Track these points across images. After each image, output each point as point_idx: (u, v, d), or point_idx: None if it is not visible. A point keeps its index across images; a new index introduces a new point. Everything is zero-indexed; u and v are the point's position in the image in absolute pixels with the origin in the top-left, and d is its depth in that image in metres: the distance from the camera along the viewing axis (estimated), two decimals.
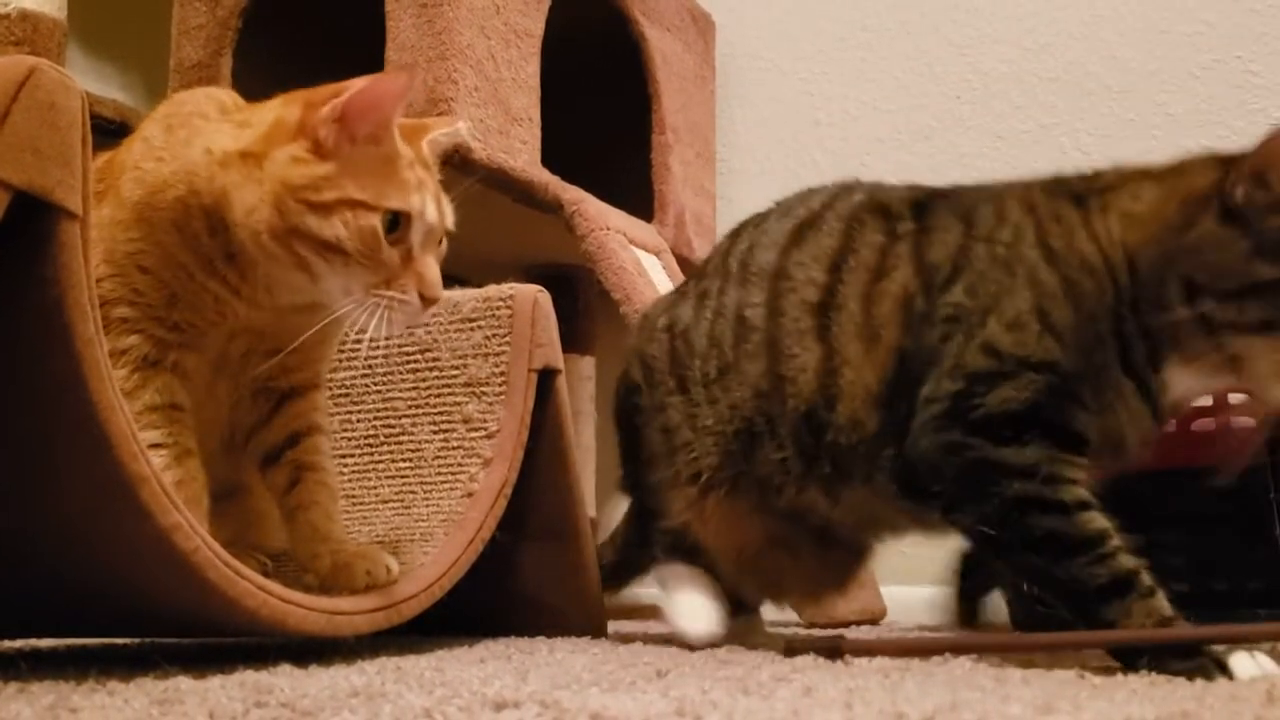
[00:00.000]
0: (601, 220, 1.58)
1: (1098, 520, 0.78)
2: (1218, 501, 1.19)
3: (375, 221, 0.83)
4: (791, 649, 0.81)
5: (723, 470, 0.98)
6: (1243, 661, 0.69)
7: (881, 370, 0.89)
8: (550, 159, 1.60)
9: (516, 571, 1.12)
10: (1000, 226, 0.87)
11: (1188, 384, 0.83)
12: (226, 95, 0.92)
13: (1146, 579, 0.76)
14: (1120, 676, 0.71)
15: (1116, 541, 0.77)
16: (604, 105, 1.89)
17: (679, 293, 1.10)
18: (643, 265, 1.60)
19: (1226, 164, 0.81)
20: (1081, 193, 0.86)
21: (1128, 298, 0.81)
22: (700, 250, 1.95)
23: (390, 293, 0.84)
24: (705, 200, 1.99)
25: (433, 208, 0.88)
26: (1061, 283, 0.82)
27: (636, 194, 1.83)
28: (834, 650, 0.79)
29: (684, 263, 1.85)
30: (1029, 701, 0.54)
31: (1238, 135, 1.70)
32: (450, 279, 2.06)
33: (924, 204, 0.94)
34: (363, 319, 0.84)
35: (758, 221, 1.06)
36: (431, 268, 0.87)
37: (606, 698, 0.57)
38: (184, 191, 0.85)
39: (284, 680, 0.69)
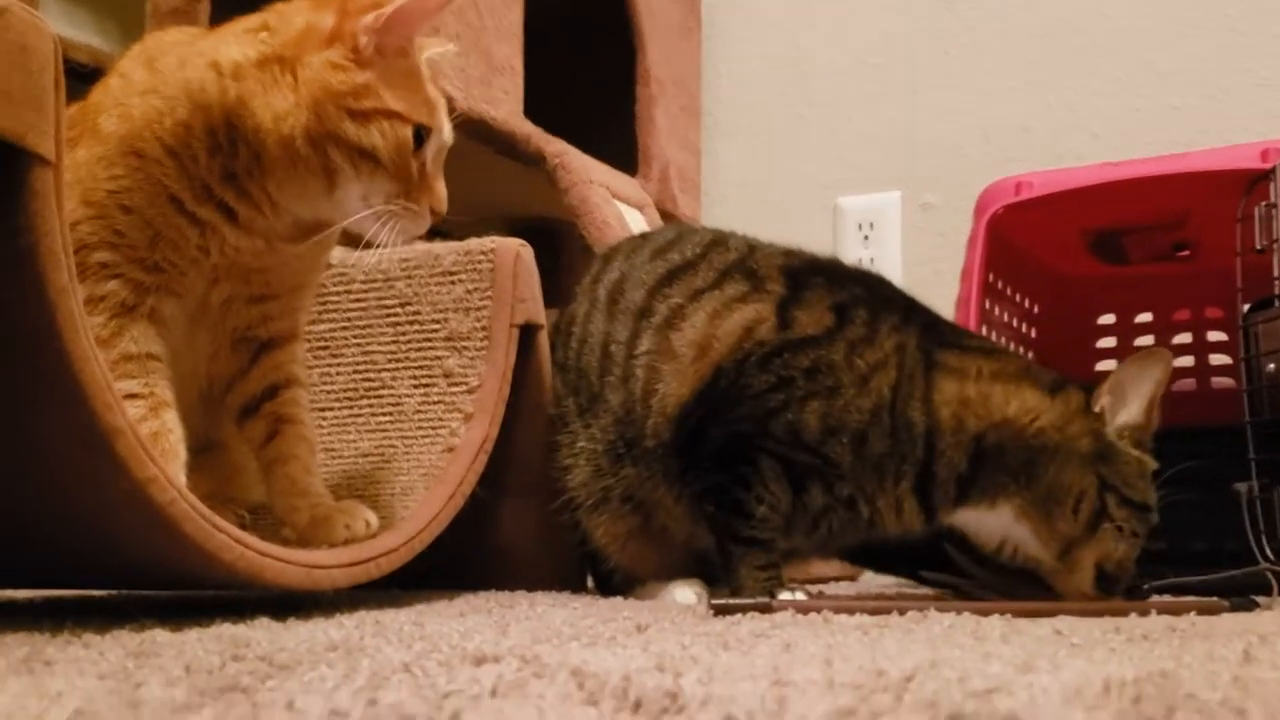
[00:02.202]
0: (585, 174, 1.57)
1: (763, 511, 0.96)
2: (1197, 461, 1.19)
3: (408, 133, 0.87)
4: (721, 610, 0.82)
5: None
6: None
7: (699, 381, 0.98)
8: (533, 110, 1.57)
9: (497, 525, 1.11)
10: (867, 347, 0.96)
11: (976, 529, 0.98)
12: (196, 28, 0.92)
13: (770, 552, 0.96)
14: (1098, 634, 0.71)
15: (770, 528, 0.96)
16: (588, 56, 1.87)
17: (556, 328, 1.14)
18: (626, 220, 1.59)
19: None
20: (937, 362, 0.96)
21: (943, 457, 0.95)
22: (685, 205, 1.93)
23: (407, 203, 0.88)
24: (690, 154, 1.98)
25: (448, 125, 0.92)
26: (890, 428, 0.94)
27: (620, 147, 1.81)
28: (765, 608, 0.82)
29: (668, 217, 1.84)
30: (1009, 659, 0.54)
31: (1224, 94, 1.70)
32: (432, 232, 2.05)
33: (798, 273, 1.01)
34: (374, 228, 0.87)
35: (630, 251, 1.10)
36: (441, 182, 0.91)
37: (587, 652, 0.57)
38: (186, 114, 0.85)
39: (262, 634, 0.69)
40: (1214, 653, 0.57)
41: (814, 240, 1.95)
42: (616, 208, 1.60)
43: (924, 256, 1.84)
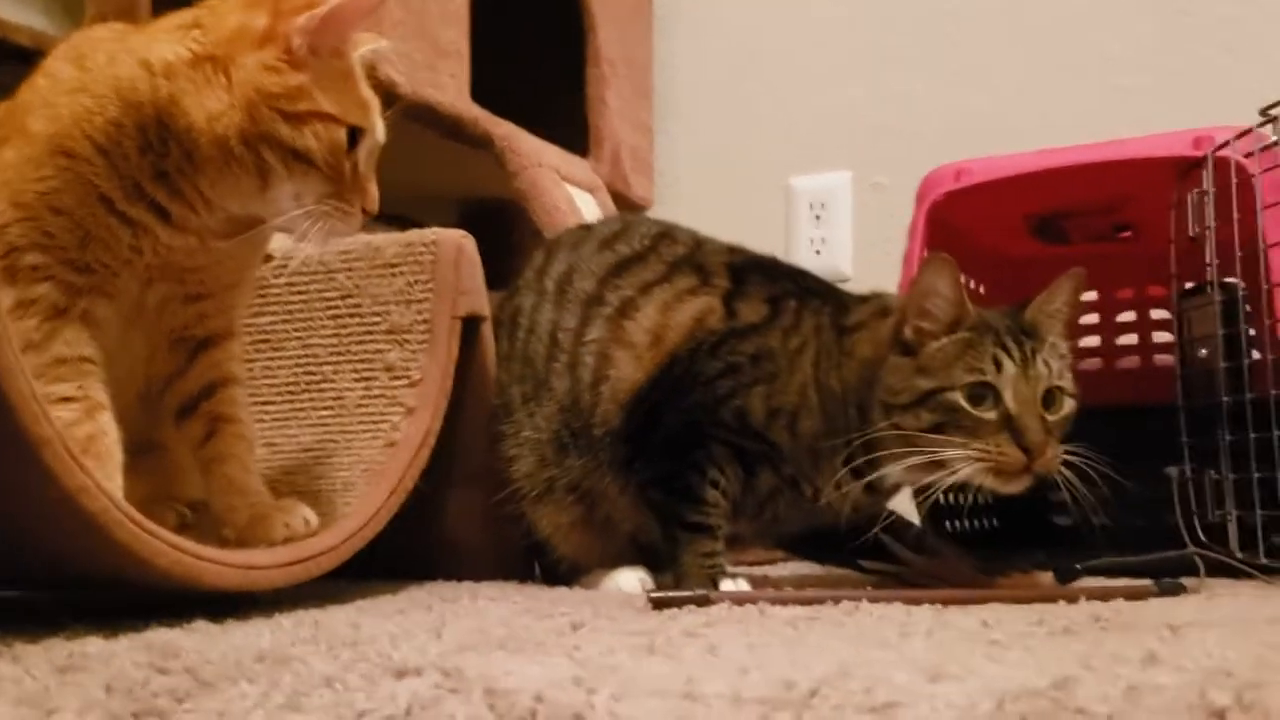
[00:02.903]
0: (534, 156, 1.56)
1: (714, 495, 0.98)
2: (1138, 439, 1.21)
3: (342, 135, 0.87)
4: (659, 603, 0.84)
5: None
6: None
7: (654, 367, 1.01)
8: (483, 93, 1.57)
9: (443, 517, 1.12)
10: (794, 332, 1.01)
11: (899, 475, 0.96)
12: (118, 26, 0.91)
13: (715, 539, 0.98)
14: (1022, 627, 0.73)
15: (718, 513, 0.99)
16: (539, 37, 1.85)
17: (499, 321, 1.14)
18: (576, 203, 1.58)
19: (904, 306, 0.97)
20: (846, 327, 1.00)
21: (855, 422, 0.97)
22: (637, 186, 1.93)
23: (339, 203, 0.88)
24: (643, 135, 1.97)
25: (381, 125, 0.92)
26: (819, 404, 0.98)
27: (572, 129, 1.80)
28: (703, 600, 0.84)
29: (620, 199, 1.84)
30: (921, 664, 0.55)
31: (1172, 76, 1.71)
32: (392, 217, 2.03)
33: (740, 269, 1.05)
34: (305, 226, 0.87)
35: (574, 243, 1.11)
36: (373, 182, 0.92)
37: (511, 661, 0.58)
38: (117, 112, 0.84)
39: (195, 640, 0.69)
40: (1122, 652, 0.59)
41: (767, 220, 1.98)
42: (566, 191, 1.59)
43: (875, 237, 1.85)
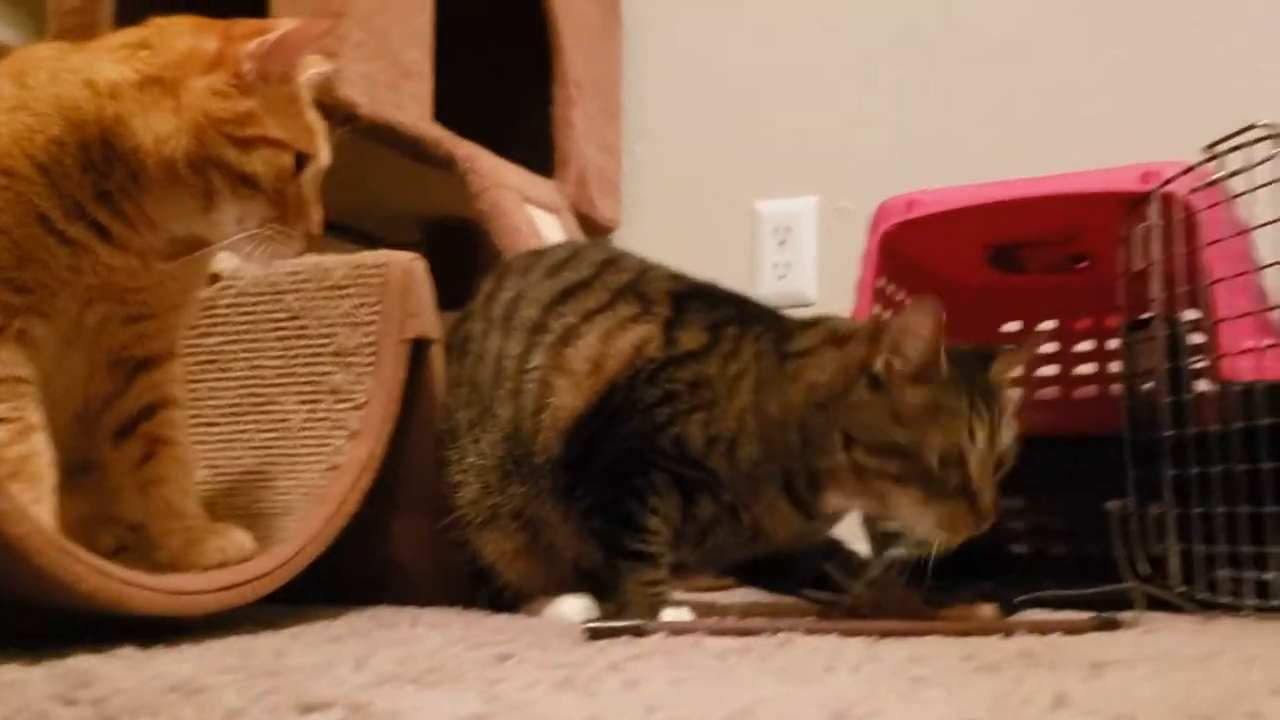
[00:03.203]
0: (496, 177, 1.56)
1: (655, 523, 0.98)
2: (1093, 469, 1.21)
3: (289, 161, 0.88)
4: (595, 633, 0.83)
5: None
6: None
7: (593, 395, 1.00)
8: (447, 113, 1.57)
9: (389, 540, 1.11)
10: (733, 359, 1.00)
11: (843, 505, 0.99)
12: (60, 44, 0.91)
13: (658, 567, 0.98)
14: (951, 663, 0.73)
15: (660, 541, 0.99)
16: (505, 57, 1.86)
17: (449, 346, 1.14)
18: (538, 225, 1.59)
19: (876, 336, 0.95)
20: (789, 353, 1.00)
21: (796, 447, 0.97)
22: (604, 208, 1.94)
23: (282, 227, 0.88)
24: (610, 156, 1.97)
25: (326, 150, 0.93)
26: (758, 430, 0.97)
27: (538, 150, 1.80)
28: (639, 631, 0.83)
29: (585, 221, 1.84)
30: (832, 703, 0.55)
31: (1135, 106, 1.73)
32: (358, 234, 2.02)
33: (682, 296, 1.05)
34: (249, 249, 0.88)
35: (523, 269, 1.11)
36: (315, 206, 0.92)
37: (421, 697, 0.58)
38: (59, 130, 0.84)
39: (115, 668, 0.68)
40: (1037, 692, 0.59)
41: (732, 243, 1.98)
42: (528, 212, 1.60)
43: (839, 262, 1.84)
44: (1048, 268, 1.43)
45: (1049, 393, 1.55)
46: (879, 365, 0.93)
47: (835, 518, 1.02)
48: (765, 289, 1.89)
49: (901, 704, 0.55)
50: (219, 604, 0.84)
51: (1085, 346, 1.54)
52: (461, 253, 1.79)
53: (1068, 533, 1.48)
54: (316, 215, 0.91)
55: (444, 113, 1.56)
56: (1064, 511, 1.48)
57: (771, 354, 1.00)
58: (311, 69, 0.94)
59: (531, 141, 1.80)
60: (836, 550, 1.07)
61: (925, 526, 0.92)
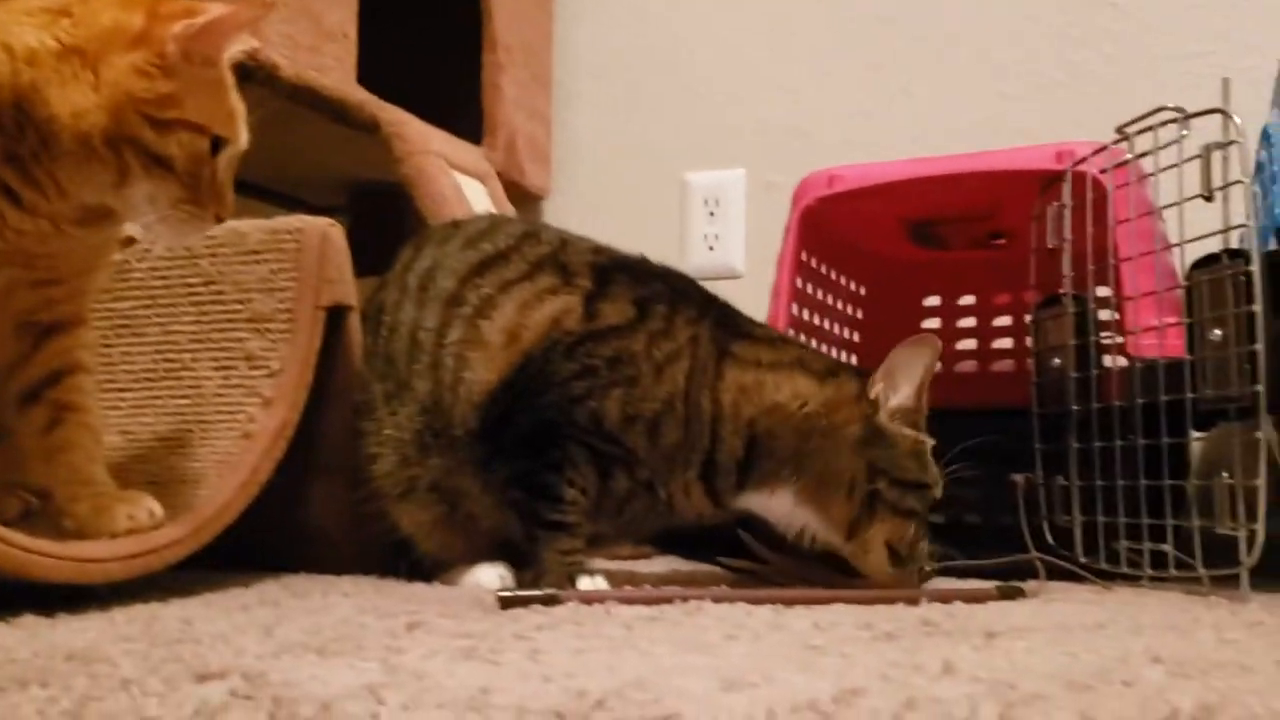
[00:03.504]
0: (422, 143, 1.55)
1: (571, 494, 0.99)
2: (1010, 442, 1.24)
3: (206, 145, 0.86)
4: (507, 602, 0.84)
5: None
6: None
7: (508, 368, 1.00)
8: (374, 77, 1.55)
9: (307, 508, 1.11)
10: (664, 339, 1.00)
11: (767, 509, 1.02)
12: None
13: (575, 537, 0.98)
14: (848, 631, 0.74)
15: (577, 511, 0.99)
16: (434, 21, 1.84)
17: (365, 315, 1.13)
18: (464, 192, 1.57)
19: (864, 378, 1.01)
20: (728, 351, 1.01)
21: (723, 443, 0.99)
22: (533, 176, 1.93)
23: (193, 209, 0.87)
24: (540, 124, 1.96)
25: (245, 133, 0.91)
26: (684, 416, 0.99)
27: (466, 116, 1.79)
28: (551, 600, 0.84)
29: (515, 188, 1.83)
30: (726, 672, 0.56)
31: (1055, 87, 1.75)
32: (282, 198, 1.99)
33: (606, 270, 1.04)
34: (158, 227, 0.87)
35: (442, 239, 1.11)
36: (229, 188, 0.91)
37: (321, 666, 0.58)
38: None
39: (12, 637, 0.68)
40: (928, 660, 0.60)
41: (662, 214, 1.98)
42: (454, 179, 1.58)
43: (767, 235, 1.84)
44: (968, 244, 1.45)
45: (967, 367, 1.58)
46: (874, 393, 1.00)
47: (741, 512, 1.04)
48: (695, 260, 1.90)
49: (793, 672, 0.57)
50: (127, 572, 0.83)
51: (1003, 322, 1.57)
52: (390, 219, 1.78)
53: (984, 503, 1.52)
54: (229, 199, 0.89)
55: (371, 77, 1.54)
56: (981, 483, 1.52)
57: (709, 343, 1.00)
58: (237, 47, 0.92)
59: (461, 108, 1.78)
60: (753, 519, 1.08)
61: (878, 562, 1.00)
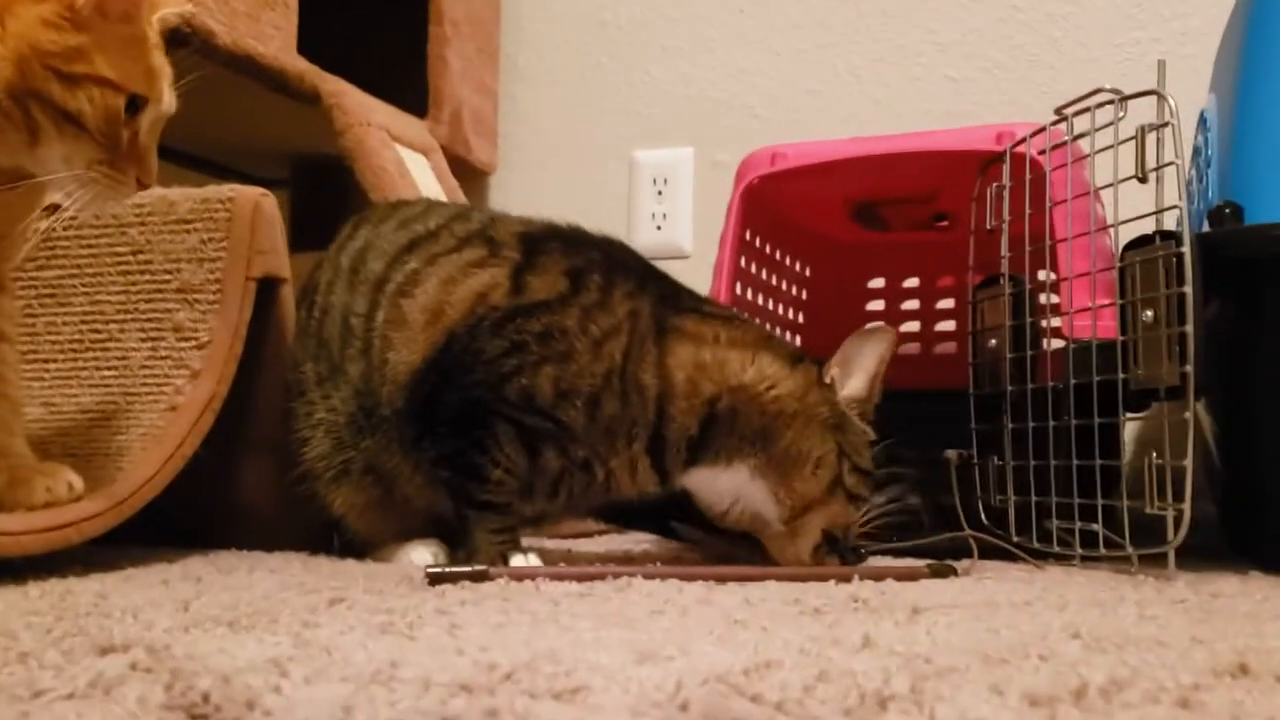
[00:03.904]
0: (362, 115, 1.52)
1: (499, 474, 0.97)
2: (952, 422, 1.25)
3: (120, 103, 0.83)
4: (436, 578, 0.83)
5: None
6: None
7: (430, 348, 0.98)
8: (317, 47, 1.52)
9: (237, 483, 1.09)
10: (600, 312, 0.97)
11: (707, 479, 1.00)
12: None
13: (506, 516, 0.98)
14: (776, 606, 0.74)
15: (506, 491, 0.98)
16: None
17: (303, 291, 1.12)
18: (405, 166, 1.55)
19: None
20: (673, 326, 0.98)
21: (673, 421, 0.97)
22: (479, 150, 1.91)
23: (111, 171, 0.85)
24: (486, 98, 1.94)
25: (169, 96, 0.88)
26: (620, 393, 0.96)
27: (411, 89, 1.76)
28: (480, 576, 0.84)
29: (460, 163, 1.81)
30: (642, 646, 0.55)
31: (999, 69, 1.76)
32: (221, 168, 1.95)
33: (535, 240, 1.02)
34: (76, 191, 0.84)
35: (378, 220, 1.09)
36: (152, 153, 0.88)
37: (230, 639, 0.57)
38: None
39: None
40: (848, 635, 0.60)
41: (610, 192, 1.97)
42: (396, 152, 1.56)
43: (715, 214, 1.84)
44: (910, 225, 1.45)
45: (911, 348, 1.59)
46: (828, 377, 0.99)
47: (684, 490, 1.02)
48: (643, 239, 1.89)
49: (710, 646, 0.56)
50: (43, 545, 0.81)
51: (946, 304, 1.58)
52: (333, 192, 1.75)
53: (924, 483, 1.53)
54: (151, 163, 0.87)
55: (314, 48, 1.51)
56: (922, 463, 1.53)
57: (648, 318, 0.98)
58: (166, 9, 0.90)
59: (406, 80, 1.76)
60: (682, 497, 1.08)
61: (804, 546, 0.99)
